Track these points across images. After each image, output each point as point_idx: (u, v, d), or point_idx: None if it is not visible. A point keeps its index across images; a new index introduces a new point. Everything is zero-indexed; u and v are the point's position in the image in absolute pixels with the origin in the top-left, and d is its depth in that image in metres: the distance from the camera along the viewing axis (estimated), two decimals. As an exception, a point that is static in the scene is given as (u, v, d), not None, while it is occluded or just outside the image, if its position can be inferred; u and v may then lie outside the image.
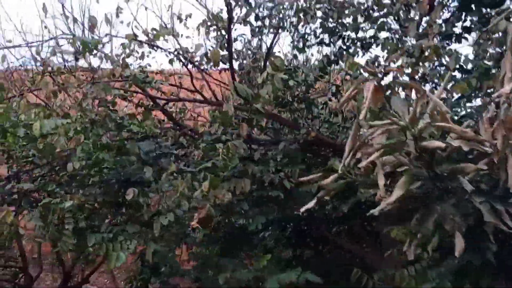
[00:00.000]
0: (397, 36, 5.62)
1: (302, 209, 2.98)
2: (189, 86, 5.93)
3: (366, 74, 4.98)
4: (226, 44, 5.22)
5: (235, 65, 6.19)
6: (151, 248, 4.22)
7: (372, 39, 5.13)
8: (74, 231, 4.69)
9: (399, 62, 3.35)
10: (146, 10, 5.46)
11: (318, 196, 3.05)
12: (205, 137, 5.46)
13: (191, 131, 5.64)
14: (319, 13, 5.14)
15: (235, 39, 5.76)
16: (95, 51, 4.32)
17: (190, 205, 3.99)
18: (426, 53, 3.50)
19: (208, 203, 3.77)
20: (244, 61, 6.18)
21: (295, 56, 5.99)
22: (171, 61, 5.58)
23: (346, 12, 4.78)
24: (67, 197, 4.71)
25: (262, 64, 5.64)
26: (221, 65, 5.60)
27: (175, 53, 5.07)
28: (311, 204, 3.00)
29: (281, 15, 5.22)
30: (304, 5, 4.88)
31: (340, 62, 5.43)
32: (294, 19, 5.68)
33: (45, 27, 4.90)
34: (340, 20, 5.03)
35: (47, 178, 5.92)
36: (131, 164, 4.87)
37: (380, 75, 3.14)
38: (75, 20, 4.62)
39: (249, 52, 6.01)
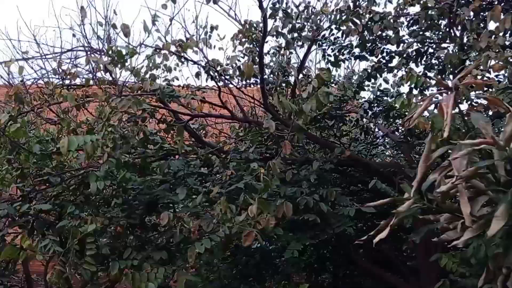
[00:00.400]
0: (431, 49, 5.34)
1: (376, 239, 2.62)
2: (212, 101, 5.61)
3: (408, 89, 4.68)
4: (258, 57, 4.91)
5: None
6: (183, 278, 3.83)
7: (414, 53, 4.83)
8: (95, 257, 4.31)
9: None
10: (171, 22, 5.14)
11: (391, 224, 2.70)
12: (232, 155, 5.12)
13: (218, 150, 5.29)
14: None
15: (267, 53, 5.46)
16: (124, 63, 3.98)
17: (231, 230, 3.61)
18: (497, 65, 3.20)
19: (254, 229, 3.40)
20: (271, 76, 5.86)
21: (328, 70, 5.68)
22: (197, 75, 5.26)
23: (389, 24, 4.48)
24: (88, 219, 4.33)
25: (294, 78, 5.33)
26: (247, 80, 5.29)
27: (207, 65, 4.75)
28: (384, 234, 2.65)
29: (315, 27, 4.92)
30: (344, 16, 4.58)
31: (378, 76, 5.13)
32: (326, 32, 5.39)
33: (74, 35, 4.58)
34: (380, 33, 4.75)
35: (61, 198, 5.54)
36: (158, 185, 4.51)
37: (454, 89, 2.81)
38: (113, 27, 4.29)
39: (279, 66, 5.69)
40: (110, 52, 3.74)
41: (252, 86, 5.61)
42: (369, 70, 5.05)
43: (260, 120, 5.25)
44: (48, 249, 4.27)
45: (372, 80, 5.72)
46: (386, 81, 6.14)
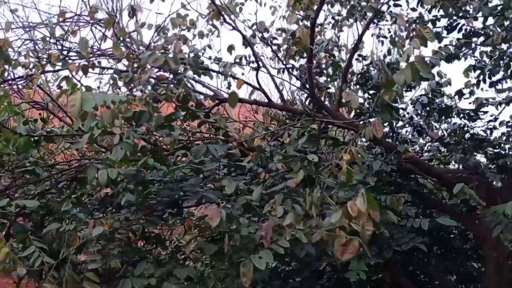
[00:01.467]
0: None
1: None
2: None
3: None
4: (310, 26, 3.93)
5: (296, 64, 4.89)
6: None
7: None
8: (99, 272, 3.18)
9: None
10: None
11: None
12: (272, 149, 4.10)
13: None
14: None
15: (320, 24, 4.46)
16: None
17: (310, 237, 2.55)
18: None
19: (355, 237, 2.33)
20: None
21: (388, 52, 4.76)
22: (229, 49, 4.24)
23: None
24: (90, 222, 3.20)
25: (347, 59, 4.35)
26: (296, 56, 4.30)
27: (253, 28, 3.74)
28: None
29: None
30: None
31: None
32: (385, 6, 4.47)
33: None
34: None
35: (48, 198, 4.40)
36: (187, 177, 3.45)
37: None
38: None
39: (328, 43, 4.72)
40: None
41: (293, 70, 4.58)
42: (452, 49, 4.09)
43: (306, 109, 4.24)
44: (34, 259, 3.12)
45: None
46: (440, 75, 5.24)
